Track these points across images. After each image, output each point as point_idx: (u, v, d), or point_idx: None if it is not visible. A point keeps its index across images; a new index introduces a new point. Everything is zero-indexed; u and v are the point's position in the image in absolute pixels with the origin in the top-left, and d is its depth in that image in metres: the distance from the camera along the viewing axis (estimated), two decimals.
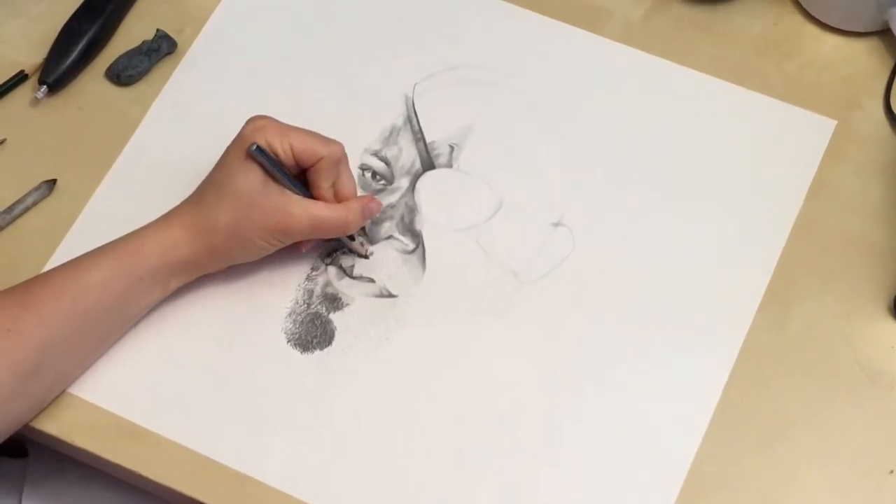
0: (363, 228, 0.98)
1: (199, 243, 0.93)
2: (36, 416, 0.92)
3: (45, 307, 0.90)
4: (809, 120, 1.01)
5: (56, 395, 0.93)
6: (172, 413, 0.93)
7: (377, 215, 0.99)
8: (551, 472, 0.90)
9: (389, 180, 1.01)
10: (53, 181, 1.01)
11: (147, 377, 0.94)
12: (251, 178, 0.92)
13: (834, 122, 1.01)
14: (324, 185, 0.94)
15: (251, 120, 0.93)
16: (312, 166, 0.93)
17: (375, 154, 1.02)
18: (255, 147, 0.91)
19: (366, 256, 0.98)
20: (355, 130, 1.02)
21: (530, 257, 0.97)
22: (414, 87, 1.04)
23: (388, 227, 0.99)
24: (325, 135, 0.94)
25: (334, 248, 0.98)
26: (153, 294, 0.94)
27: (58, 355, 0.90)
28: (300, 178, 0.94)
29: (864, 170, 0.99)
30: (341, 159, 0.94)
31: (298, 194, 0.93)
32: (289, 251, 0.96)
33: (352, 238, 0.97)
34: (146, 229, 0.93)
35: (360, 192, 0.98)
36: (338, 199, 0.95)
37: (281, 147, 0.92)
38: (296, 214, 0.92)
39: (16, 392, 0.89)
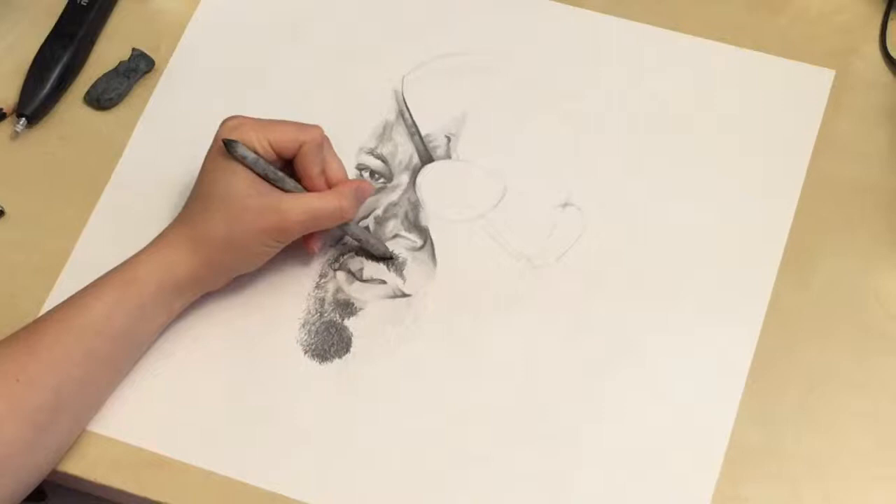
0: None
1: (197, 259, 0.90)
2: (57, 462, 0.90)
3: (52, 351, 0.87)
4: (807, 72, 1.00)
5: (75, 438, 0.90)
6: (194, 438, 0.91)
7: (381, 214, 0.97)
8: (589, 458, 0.89)
9: (388, 178, 0.99)
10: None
11: (164, 404, 0.92)
12: (235, 181, 0.89)
13: (832, 73, 1.00)
14: (313, 171, 0.91)
15: (224, 122, 0.92)
16: (296, 156, 0.91)
17: (371, 152, 1.00)
18: (232, 145, 0.89)
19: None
20: (347, 130, 0.99)
21: (542, 241, 0.95)
22: (403, 80, 1.02)
23: (393, 226, 0.97)
24: None
25: (341, 253, 0.96)
26: (159, 319, 0.91)
27: (72, 398, 0.88)
28: (288, 171, 0.92)
29: (869, 116, 0.98)
30: (323, 142, 0.92)
31: (286, 188, 0.90)
32: (298, 257, 0.94)
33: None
34: (140, 255, 0.91)
35: None
36: (329, 185, 0.92)
37: (258, 142, 0.90)
38: (287, 210, 0.90)
39: (36, 443, 0.86)
